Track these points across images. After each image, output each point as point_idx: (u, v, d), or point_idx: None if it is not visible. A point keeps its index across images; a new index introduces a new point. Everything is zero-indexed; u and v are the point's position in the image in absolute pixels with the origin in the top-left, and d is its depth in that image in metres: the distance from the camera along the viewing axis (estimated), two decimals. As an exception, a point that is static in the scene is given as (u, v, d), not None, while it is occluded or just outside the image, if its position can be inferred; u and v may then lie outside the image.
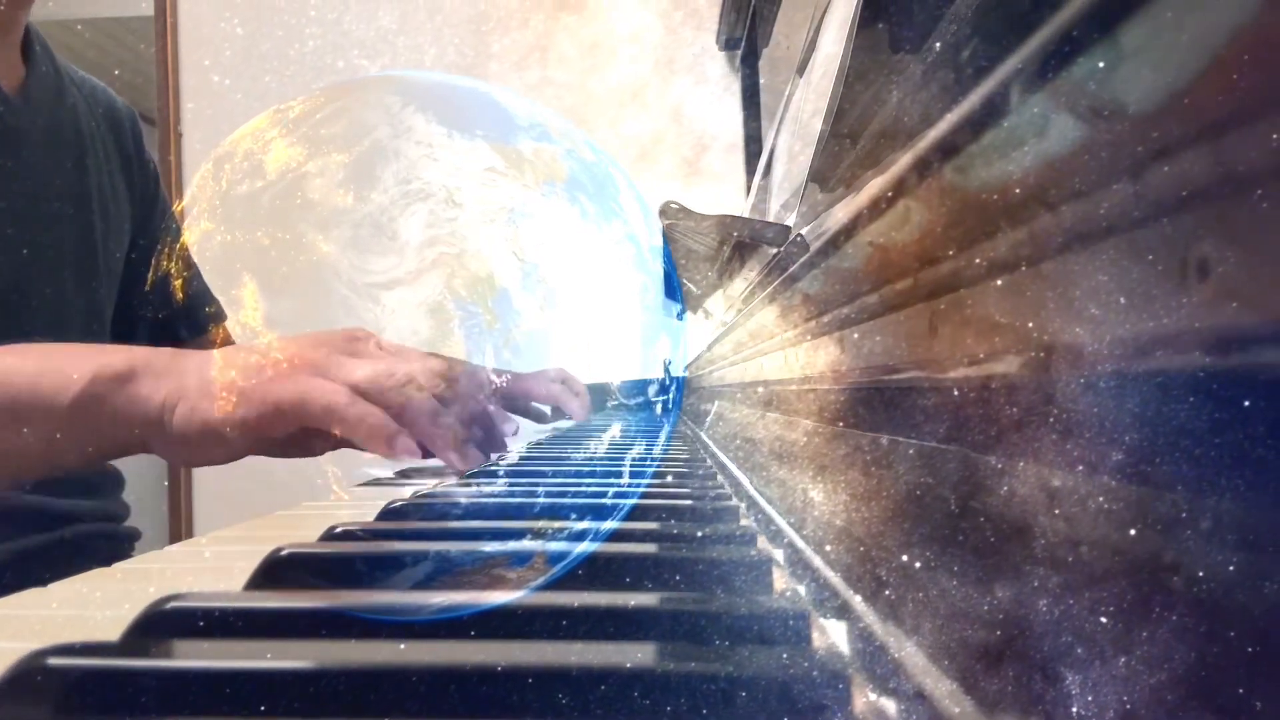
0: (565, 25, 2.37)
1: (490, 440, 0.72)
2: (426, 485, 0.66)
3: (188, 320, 0.97)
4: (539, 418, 1.12)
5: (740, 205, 1.74)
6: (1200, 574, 0.14)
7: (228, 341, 0.68)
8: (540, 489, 0.58)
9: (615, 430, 1.07)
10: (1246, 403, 0.14)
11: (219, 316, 0.97)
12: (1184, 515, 0.15)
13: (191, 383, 0.59)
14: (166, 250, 0.84)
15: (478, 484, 0.65)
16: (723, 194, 2.26)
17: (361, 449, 0.62)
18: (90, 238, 0.87)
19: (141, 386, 0.58)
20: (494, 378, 0.73)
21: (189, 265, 0.71)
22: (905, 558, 0.25)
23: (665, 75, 2.32)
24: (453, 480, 0.69)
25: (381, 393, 0.61)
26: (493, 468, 0.73)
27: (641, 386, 0.93)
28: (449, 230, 0.67)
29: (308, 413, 0.60)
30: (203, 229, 0.65)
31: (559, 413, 1.15)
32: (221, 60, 2.46)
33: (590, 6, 2.36)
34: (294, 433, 0.62)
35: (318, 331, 0.67)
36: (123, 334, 0.94)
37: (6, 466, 0.58)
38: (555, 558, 0.34)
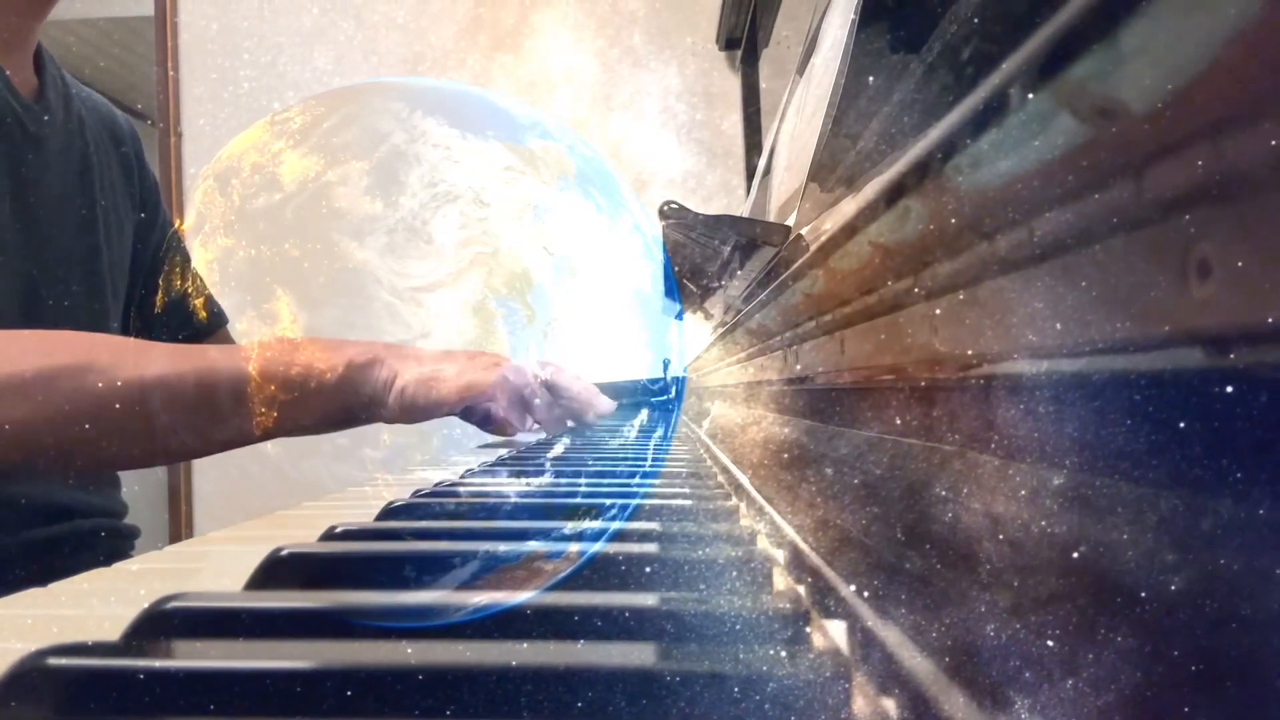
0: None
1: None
2: (429, 482, 0.66)
3: (204, 327, 0.98)
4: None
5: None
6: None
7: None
8: (543, 489, 0.58)
9: (617, 430, 1.07)
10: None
11: (221, 319, 0.98)
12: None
13: (408, 371, 0.79)
14: (171, 268, 0.90)
15: (479, 484, 0.65)
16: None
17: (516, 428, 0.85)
18: (95, 245, 0.88)
19: (376, 370, 0.78)
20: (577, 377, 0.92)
21: (193, 274, 0.76)
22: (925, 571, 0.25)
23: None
24: (453, 479, 0.69)
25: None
26: (496, 467, 0.74)
27: (650, 384, 0.93)
28: (481, 230, 0.69)
29: (496, 389, 0.80)
30: (220, 245, 0.65)
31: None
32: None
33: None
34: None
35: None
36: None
37: (284, 425, 0.75)
38: (557, 558, 0.34)
